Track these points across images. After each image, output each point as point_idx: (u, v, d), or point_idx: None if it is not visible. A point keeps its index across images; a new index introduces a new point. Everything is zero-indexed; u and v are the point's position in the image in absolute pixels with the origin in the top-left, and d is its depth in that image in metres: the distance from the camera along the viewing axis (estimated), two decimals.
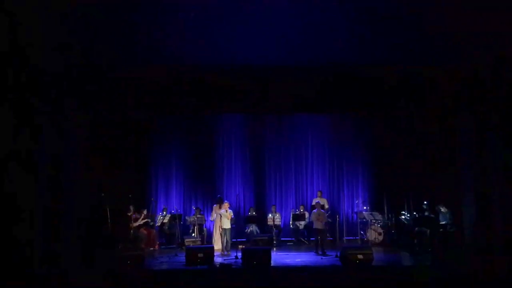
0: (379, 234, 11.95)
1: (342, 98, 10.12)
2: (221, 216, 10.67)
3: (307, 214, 12.33)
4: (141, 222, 11.12)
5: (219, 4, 6.76)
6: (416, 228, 10.65)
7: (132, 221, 10.92)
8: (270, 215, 12.33)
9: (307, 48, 8.44)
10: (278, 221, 12.21)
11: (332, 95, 10.00)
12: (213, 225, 11.42)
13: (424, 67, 9.31)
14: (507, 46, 7.96)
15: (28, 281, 7.15)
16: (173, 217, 11.76)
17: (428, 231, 10.50)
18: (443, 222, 10.69)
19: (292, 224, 12.51)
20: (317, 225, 10.40)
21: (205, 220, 12.11)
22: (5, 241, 7.26)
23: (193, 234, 11.63)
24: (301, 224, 12.42)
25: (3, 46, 7.03)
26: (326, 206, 12.26)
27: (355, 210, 13.03)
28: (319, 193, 12.85)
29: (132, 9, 6.80)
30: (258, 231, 12.12)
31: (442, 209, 10.74)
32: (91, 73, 8.88)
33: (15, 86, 7.49)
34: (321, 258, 9.71)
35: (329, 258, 9.68)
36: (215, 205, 11.35)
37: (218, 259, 9.49)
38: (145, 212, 11.44)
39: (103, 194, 9.61)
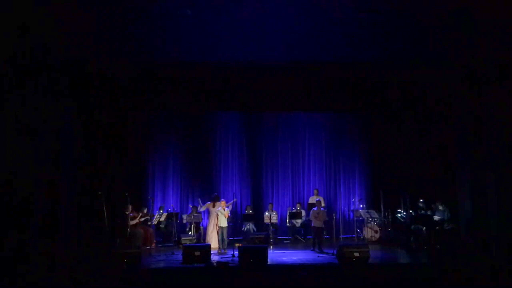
0: (376, 232, 12.01)
1: (340, 97, 10.14)
2: (217, 214, 10.67)
3: (303, 212, 12.35)
4: (138, 221, 11.09)
5: (214, 1, 6.74)
6: (412, 226, 10.70)
7: (129, 220, 10.90)
8: (266, 213, 12.34)
9: (306, 46, 8.44)
10: (274, 219, 12.20)
11: (329, 94, 10.03)
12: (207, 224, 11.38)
13: (420, 66, 9.34)
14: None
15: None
16: (169, 216, 11.74)
17: (424, 228, 10.56)
18: (439, 219, 10.73)
19: (289, 222, 12.52)
20: (316, 223, 10.42)
21: (202, 219, 12.09)
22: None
23: (189, 233, 11.63)
24: (298, 222, 12.43)
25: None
26: (323, 204, 12.25)
27: (352, 208, 13.05)
28: (315, 191, 12.87)
29: (124, 7, 6.76)
30: (255, 229, 12.13)
31: (440, 207, 10.78)
32: (84, 72, 8.85)
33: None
34: (318, 256, 9.73)
35: (326, 256, 9.70)
36: (208, 202, 11.21)
37: (215, 257, 9.50)
38: (145, 211, 11.42)
39: (100, 193, 9.57)
